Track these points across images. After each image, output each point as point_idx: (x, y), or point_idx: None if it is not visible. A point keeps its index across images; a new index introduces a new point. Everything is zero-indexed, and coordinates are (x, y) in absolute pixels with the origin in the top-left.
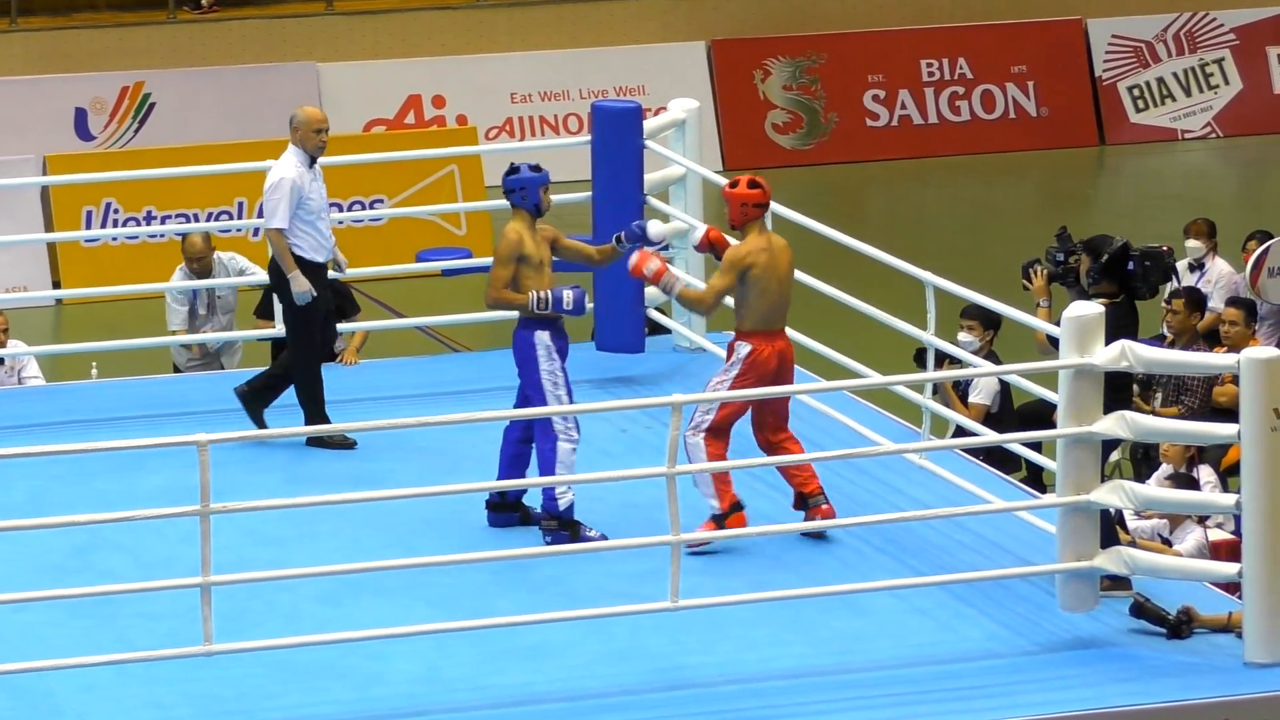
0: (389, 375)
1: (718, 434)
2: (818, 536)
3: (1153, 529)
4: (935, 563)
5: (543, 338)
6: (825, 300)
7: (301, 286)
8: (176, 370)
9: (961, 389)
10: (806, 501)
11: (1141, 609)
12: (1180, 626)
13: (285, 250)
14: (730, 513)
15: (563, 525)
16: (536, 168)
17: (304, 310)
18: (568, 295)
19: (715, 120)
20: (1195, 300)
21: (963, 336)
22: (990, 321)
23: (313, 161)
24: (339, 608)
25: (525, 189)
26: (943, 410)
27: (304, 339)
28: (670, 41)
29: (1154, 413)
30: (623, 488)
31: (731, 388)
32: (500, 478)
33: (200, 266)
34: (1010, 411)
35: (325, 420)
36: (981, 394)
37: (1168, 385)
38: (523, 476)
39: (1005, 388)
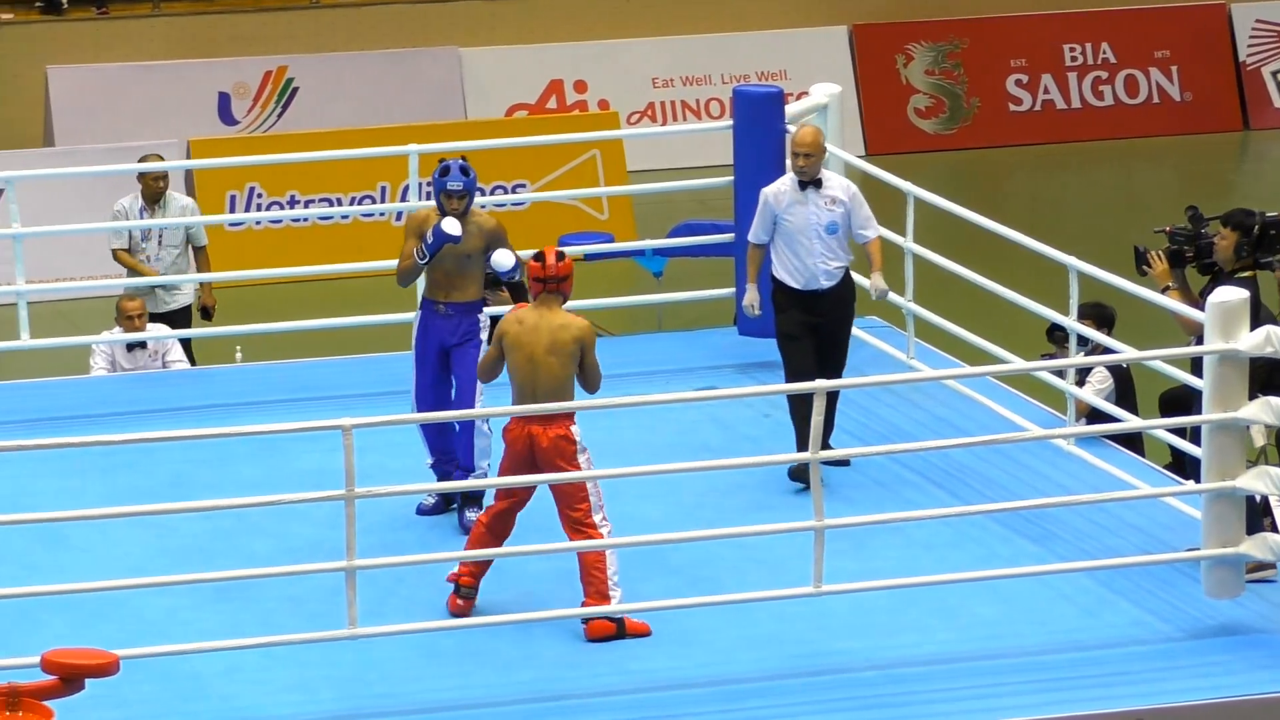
0: None
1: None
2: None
3: None
4: (1079, 548)
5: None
6: (966, 285)
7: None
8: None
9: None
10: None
11: None
12: None
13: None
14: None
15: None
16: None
17: None
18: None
19: (857, 105)
20: None
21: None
22: (1104, 319)
23: (803, 184)
24: (482, 592)
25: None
26: (1083, 395)
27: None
28: (812, 26)
29: None
30: (763, 473)
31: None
32: (434, 447)
33: (156, 189)
34: (1132, 404)
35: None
36: (1095, 388)
37: None
38: (449, 443)
39: (1125, 383)
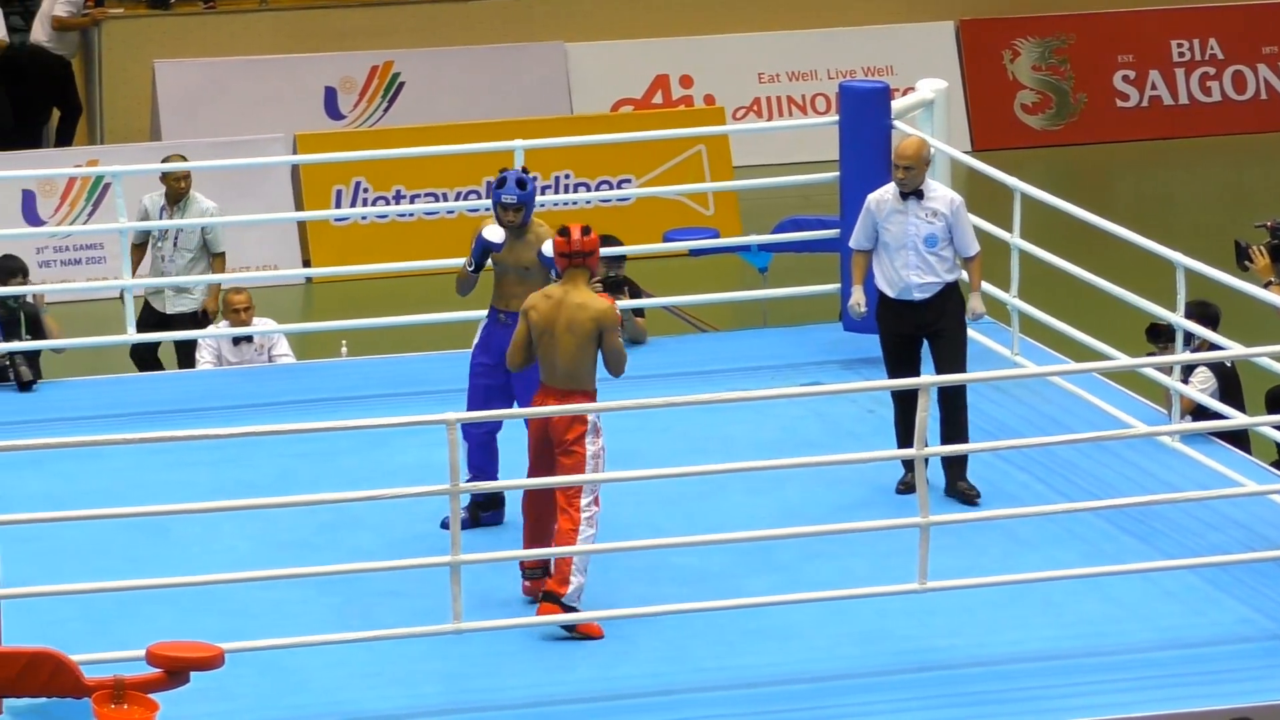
0: (635, 357)
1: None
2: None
3: None
4: (1184, 546)
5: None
6: (1072, 281)
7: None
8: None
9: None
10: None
11: None
12: None
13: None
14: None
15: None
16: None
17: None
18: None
19: (963, 101)
20: None
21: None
22: (1209, 317)
23: (904, 194)
24: (585, 586)
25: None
26: (1189, 392)
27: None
28: (919, 21)
29: None
30: (867, 469)
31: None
32: (473, 463)
33: (178, 190)
34: (1238, 401)
35: None
36: (1198, 387)
37: None
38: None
39: (1230, 380)
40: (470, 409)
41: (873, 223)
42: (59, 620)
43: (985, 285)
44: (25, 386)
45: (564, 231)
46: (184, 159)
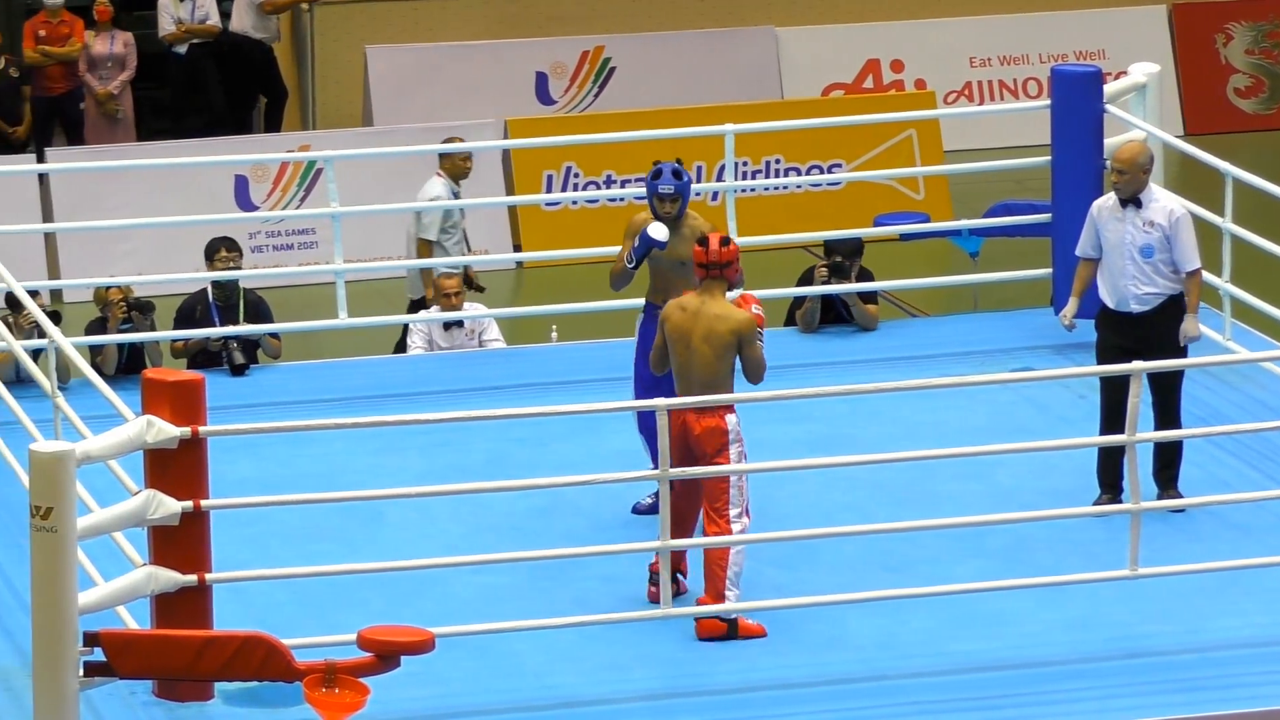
0: (850, 342)
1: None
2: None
3: None
4: None
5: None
6: None
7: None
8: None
9: None
10: None
11: None
12: None
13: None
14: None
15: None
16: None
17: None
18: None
19: (1176, 84)
20: None
21: None
22: None
23: (1123, 202)
24: (795, 572)
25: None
26: None
27: None
28: (1130, 5)
29: None
30: (1079, 455)
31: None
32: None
33: (464, 169)
34: None
35: None
36: None
37: None
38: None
39: None
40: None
41: (1095, 230)
42: (272, 604)
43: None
44: (238, 371)
45: (703, 241)
46: (461, 139)
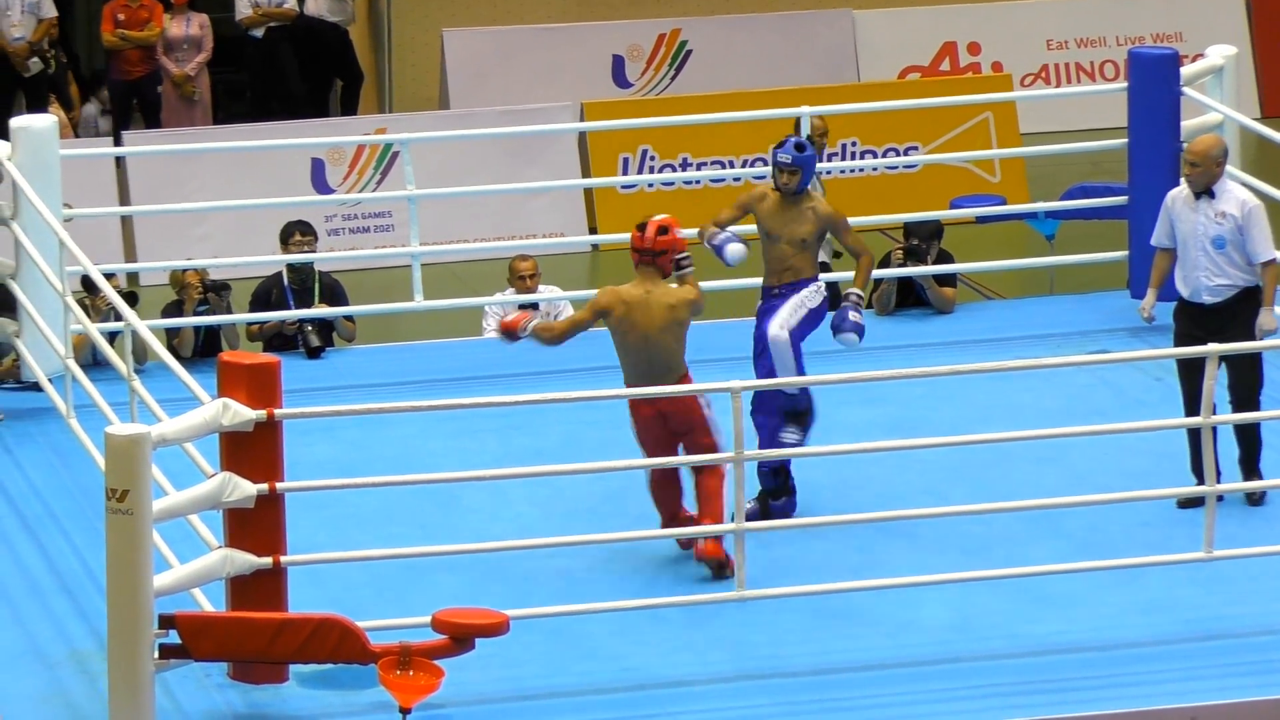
0: (921, 325)
1: None
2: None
3: None
4: None
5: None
6: None
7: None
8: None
9: None
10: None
11: None
12: None
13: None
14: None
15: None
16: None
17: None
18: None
19: (1253, 67)
20: None
21: None
22: None
23: (1197, 193)
24: (870, 554)
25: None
26: None
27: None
28: None
29: None
30: (1155, 438)
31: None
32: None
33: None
34: None
35: None
36: None
37: None
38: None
39: None
40: (760, 393)
41: (1169, 220)
42: (347, 586)
43: None
44: (314, 353)
45: (641, 226)
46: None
